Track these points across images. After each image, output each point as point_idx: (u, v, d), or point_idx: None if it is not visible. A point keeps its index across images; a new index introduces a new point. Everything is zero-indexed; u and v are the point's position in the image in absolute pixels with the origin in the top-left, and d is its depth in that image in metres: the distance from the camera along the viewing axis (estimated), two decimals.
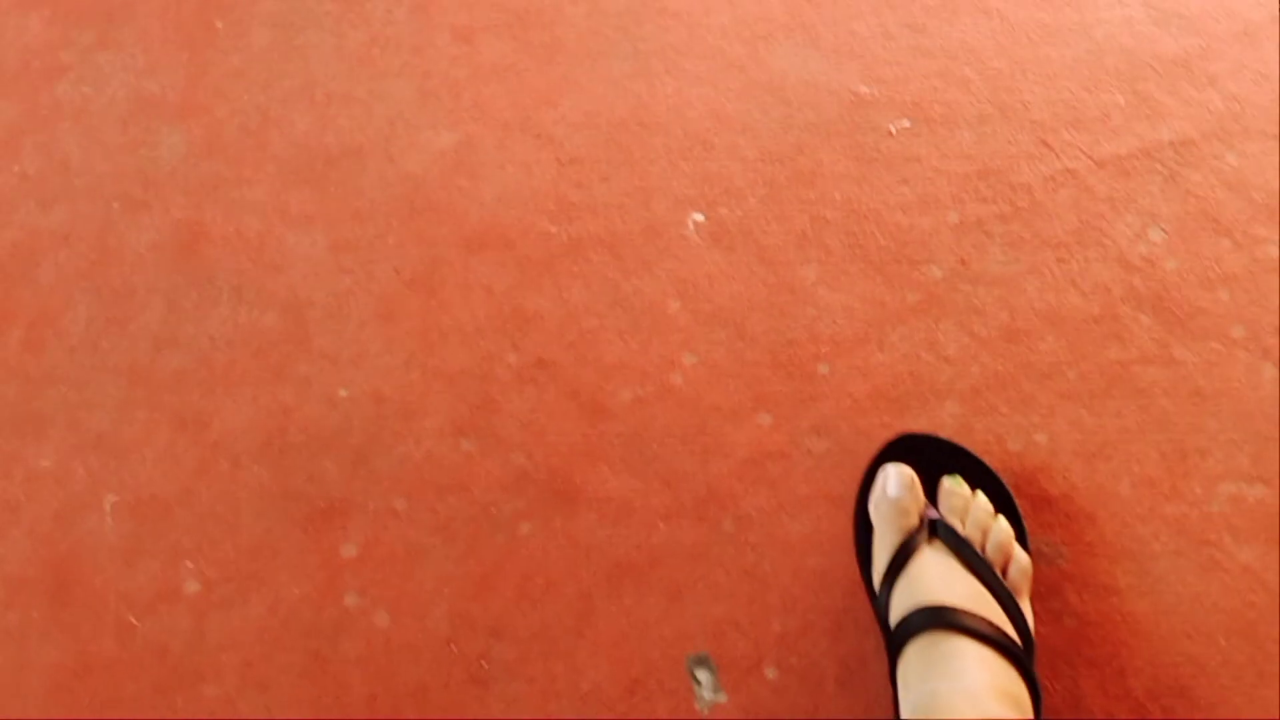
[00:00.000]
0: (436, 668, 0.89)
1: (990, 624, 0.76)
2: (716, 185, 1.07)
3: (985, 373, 0.97)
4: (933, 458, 0.89)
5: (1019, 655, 0.77)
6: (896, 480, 0.85)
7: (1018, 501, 0.87)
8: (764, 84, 1.13)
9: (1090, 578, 0.88)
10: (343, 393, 0.99)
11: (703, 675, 0.87)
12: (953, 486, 0.85)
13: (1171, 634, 0.85)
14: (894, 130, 1.09)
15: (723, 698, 0.86)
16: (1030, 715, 0.75)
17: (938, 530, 0.83)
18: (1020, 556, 0.83)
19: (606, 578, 0.91)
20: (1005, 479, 0.88)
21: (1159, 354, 0.96)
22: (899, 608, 0.80)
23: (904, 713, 0.76)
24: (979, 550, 0.82)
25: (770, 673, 0.87)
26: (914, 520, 0.83)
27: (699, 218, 1.06)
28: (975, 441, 0.93)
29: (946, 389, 0.96)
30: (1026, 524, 0.87)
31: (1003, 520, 0.84)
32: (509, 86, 1.14)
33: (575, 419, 0.97)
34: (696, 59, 1.15)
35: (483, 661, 0.89)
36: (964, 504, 0.84)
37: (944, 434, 0.91)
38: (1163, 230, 1.01)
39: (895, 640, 0.79)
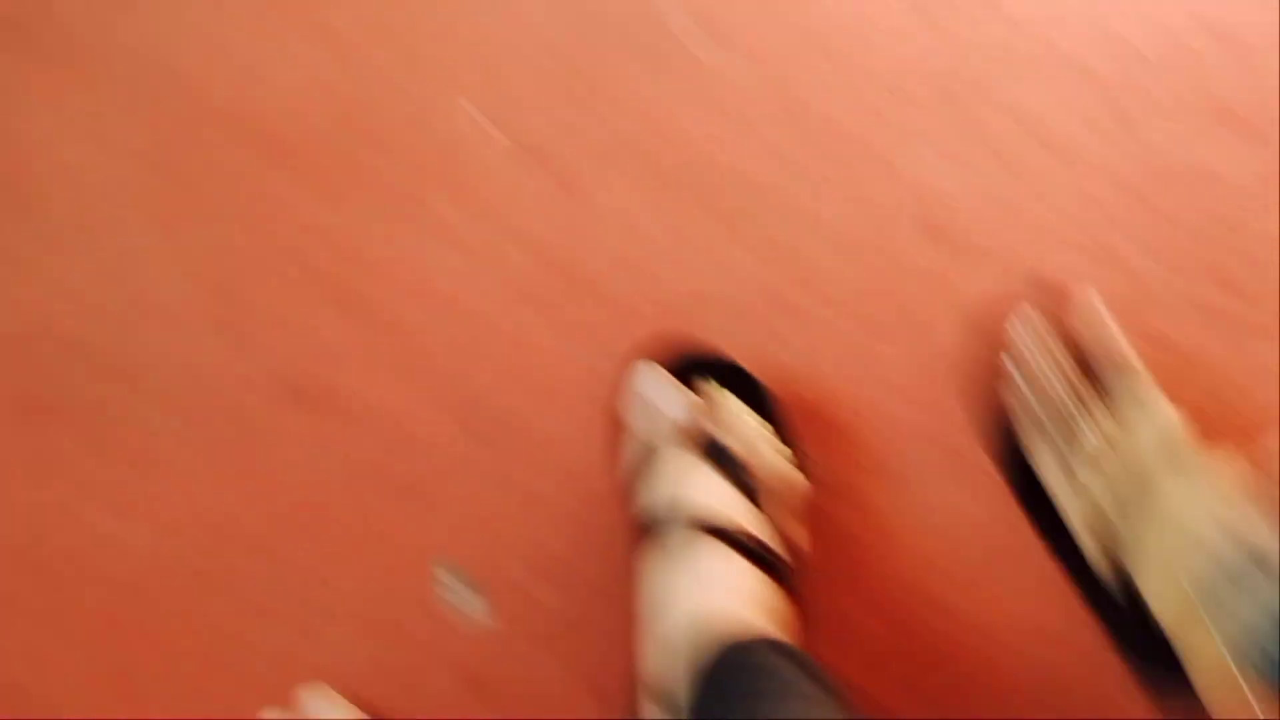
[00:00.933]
0: (164, 573, 0.83)
1: (751, 535, 0.76)
2: (506, 91, 1.01)
3: (765, 289, 0.95)
4: (705, 369, 0.87)
5: (780, 569, 0.77)
6: (660, 386, 0.84)
7: (786, 416, 0.87)
8: None
9: (853, 493, 0.89)
10: (79, 286, 0.91)
11: (453, 584, 0.84)
12: (719, 397, 0.84)
13: (930, 547, 0.88)
14: (700, 48, 1.05)
15: (476, 606, 0.84)
16: (789, 629, 0.75)
17: (702, 440, 0.82)
18: (786, 470, 0.83)
19: (354, 483, 0.87)
20: (776, 394, 0.88)
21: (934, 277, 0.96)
22: (656, 512, 0.79)
23: (649, 615, 0.75)
24: (742, 462, 0.81)
25: (524, 579, 0.85)
26: (676, 426, 0.82)
27: (484, 121, 1.00)
28: (749, 356, 0.92)
29: (725, 303, 0.95)
30: (794, 439, 0.87)
31: (769, 432, 0.84)
32: None
33: (334, 320, 0.92)
34: None
35: (213, 565, 0.84)
36: (729, 415, 0.84)
37: (717, 347, 0.90)
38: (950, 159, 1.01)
39: (648, 543, 0.78)
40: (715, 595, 0.73)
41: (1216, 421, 0.81)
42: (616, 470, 0.87)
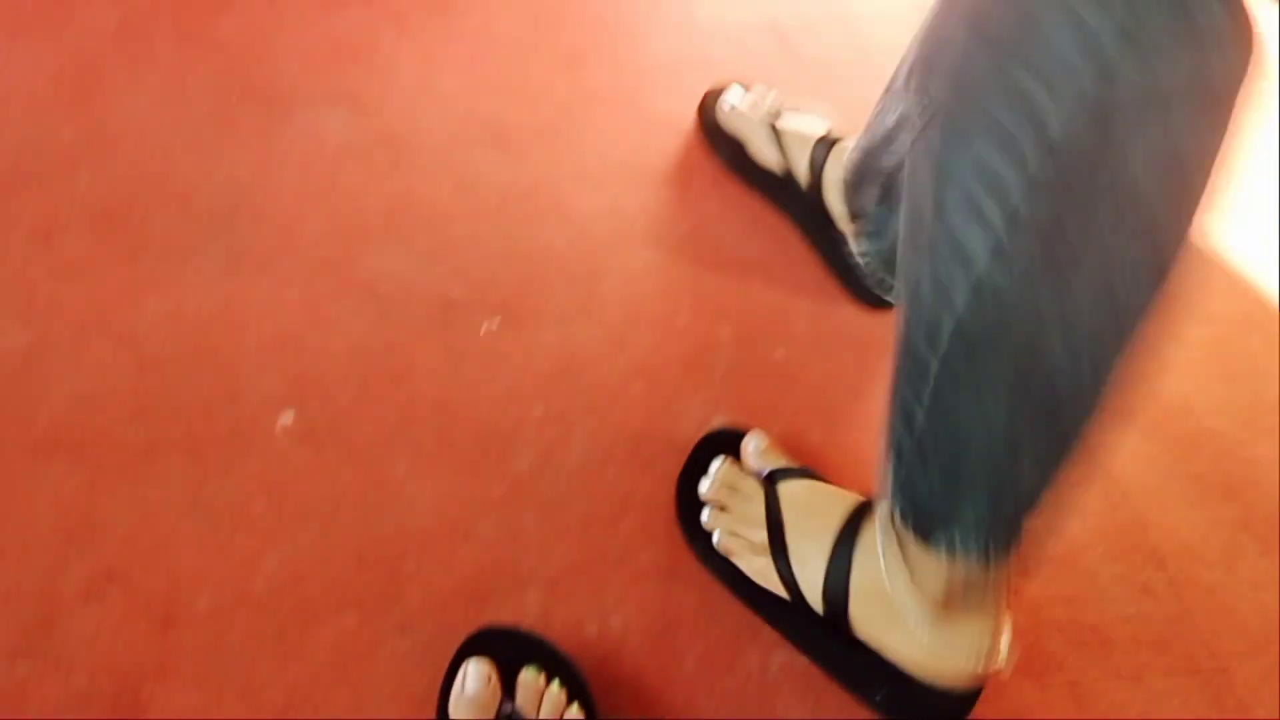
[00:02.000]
0: None
1: None
2: (307, 383, 1.08)
3: (565, 560, 1.01)
4: (512, 648, 0.91)
5: None
6: (473, 678, 0.87)
7: (590, 687, 0.91)
8: (357, 284, 1.16)
9: None
10: None
11: None
12: (528, 679, 0.88)
13: None
14: (483, 329, 1.15)
15: None
16: None
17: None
18: None
19: None
20: (582, 663, 0.92)
21: None
22: None
23: None
24: None
25: None
26: (490, 717, 0.85)
27: (288, 417, 1.06)
28: (555, 627, 0.96)
29: (529, 578, 1.00)
30: (598, 709, 0.90)
31: (576, 710, 0.88)
32: (89, 285, 1.11)
33: (145, 632, 0.93)
34: (290, 259, 1.17)
35: None
36: (539, 695, 0.87)
37: (525, 623, 0.94)
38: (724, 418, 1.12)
39: None
40: None
41: None
42: None
